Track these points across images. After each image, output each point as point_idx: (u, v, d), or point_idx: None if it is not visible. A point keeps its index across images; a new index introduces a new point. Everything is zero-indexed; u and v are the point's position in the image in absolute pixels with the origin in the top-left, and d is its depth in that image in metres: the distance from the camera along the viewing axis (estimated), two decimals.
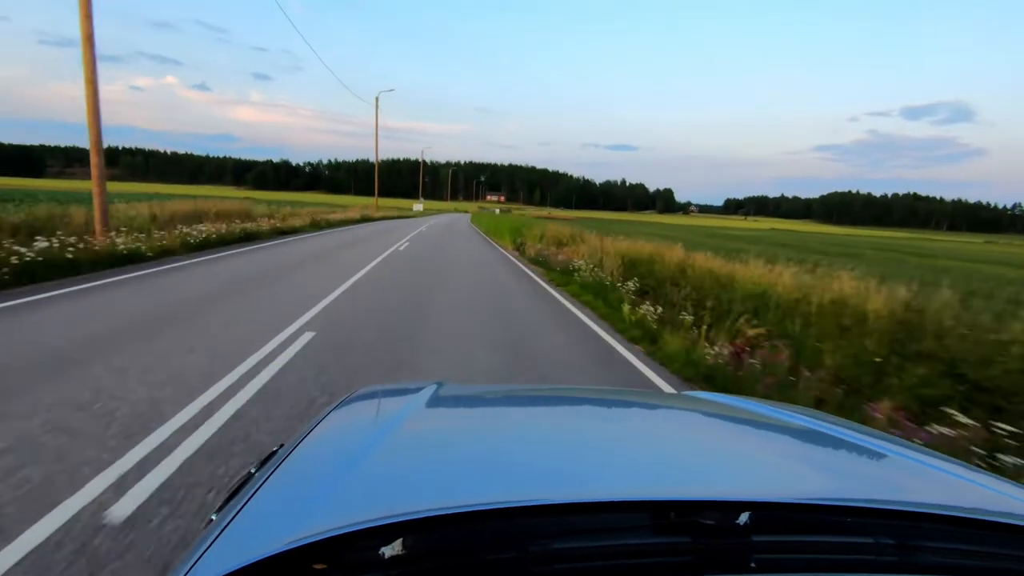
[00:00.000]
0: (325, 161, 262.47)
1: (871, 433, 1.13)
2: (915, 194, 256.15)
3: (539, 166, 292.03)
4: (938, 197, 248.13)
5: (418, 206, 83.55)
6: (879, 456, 0.97)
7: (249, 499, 0.71)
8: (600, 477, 0.81)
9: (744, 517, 0.62)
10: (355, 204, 51.11)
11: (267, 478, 0.78)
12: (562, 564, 0.60)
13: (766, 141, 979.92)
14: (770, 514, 0.65)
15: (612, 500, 0.65)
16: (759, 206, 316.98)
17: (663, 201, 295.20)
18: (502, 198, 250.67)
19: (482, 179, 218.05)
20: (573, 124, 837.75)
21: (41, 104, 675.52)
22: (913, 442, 1.13)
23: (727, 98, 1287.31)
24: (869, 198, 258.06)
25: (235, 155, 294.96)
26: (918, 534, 0.66)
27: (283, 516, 0.67)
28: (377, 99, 41.25)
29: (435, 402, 1.14)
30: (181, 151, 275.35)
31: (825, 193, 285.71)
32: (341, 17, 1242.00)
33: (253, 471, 0.90)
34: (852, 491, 0.81)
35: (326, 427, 1.01)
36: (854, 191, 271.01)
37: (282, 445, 0.96)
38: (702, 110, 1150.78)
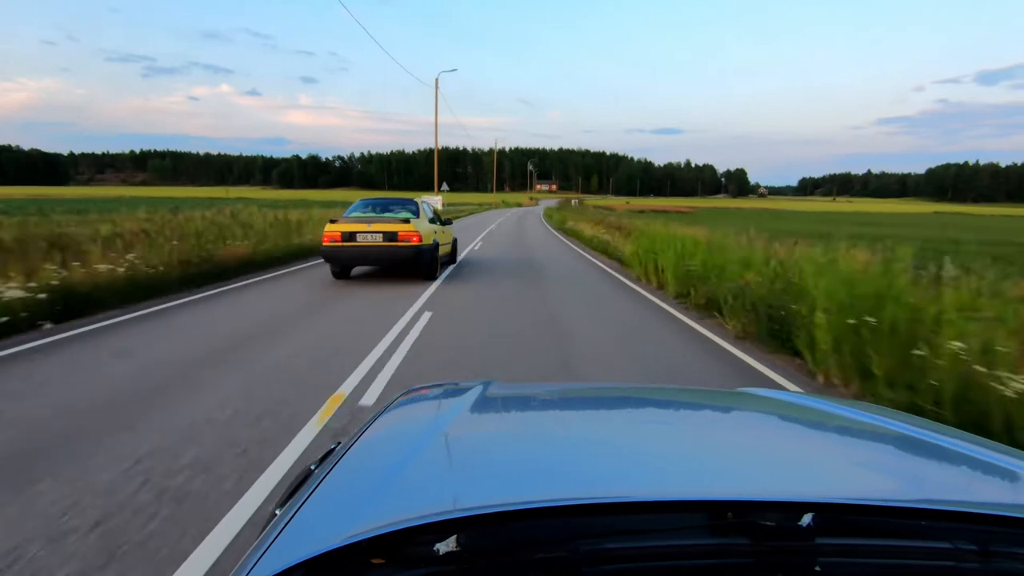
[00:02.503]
0: (357, 155, 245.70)
1: (944, 431, 1.01)
2: None
3: (593, 150, 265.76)
4: None
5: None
6: (954, 455, 0.89)
7: (310, 495, 0.73)
8: (655, 476, 0.79)
9: (807, 518, 0.60)
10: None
11: (326, 475, 0.80)
12: (615, 564, 0.59)
13: (823, 117, 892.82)
14: (835, 516, 0.61)
15: (667, 500, 0.63)
16: (841, 185, 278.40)
17: (736, 183, 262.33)
18: (554, 187, 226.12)
19: (531, 168, 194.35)
20: (616, 110, 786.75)
21: (105, 115, 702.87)
22: (992, 440, 1.00)
23: (772, 73, 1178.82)
24: (994, 169, 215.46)
25: (283, 156, 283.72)
26: (1002, 539, 0.61)
27: (342, 512, 0.69)
28: (437, 80, 32.85)
29: (484, 401, 1.14)
30: (214, 152, 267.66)
31: (934, 166, 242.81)
32: (377, 14, 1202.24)
33: (313, 468, 0.92)
34: (925, 492, 0.76)
35: (380, 426, 1.03)
36: (971, 162, 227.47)
37: (339, 443, 0.99)
38: (747, 88, 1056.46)
